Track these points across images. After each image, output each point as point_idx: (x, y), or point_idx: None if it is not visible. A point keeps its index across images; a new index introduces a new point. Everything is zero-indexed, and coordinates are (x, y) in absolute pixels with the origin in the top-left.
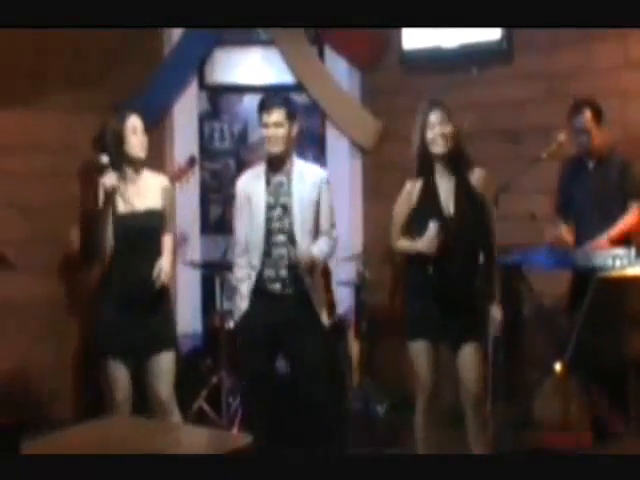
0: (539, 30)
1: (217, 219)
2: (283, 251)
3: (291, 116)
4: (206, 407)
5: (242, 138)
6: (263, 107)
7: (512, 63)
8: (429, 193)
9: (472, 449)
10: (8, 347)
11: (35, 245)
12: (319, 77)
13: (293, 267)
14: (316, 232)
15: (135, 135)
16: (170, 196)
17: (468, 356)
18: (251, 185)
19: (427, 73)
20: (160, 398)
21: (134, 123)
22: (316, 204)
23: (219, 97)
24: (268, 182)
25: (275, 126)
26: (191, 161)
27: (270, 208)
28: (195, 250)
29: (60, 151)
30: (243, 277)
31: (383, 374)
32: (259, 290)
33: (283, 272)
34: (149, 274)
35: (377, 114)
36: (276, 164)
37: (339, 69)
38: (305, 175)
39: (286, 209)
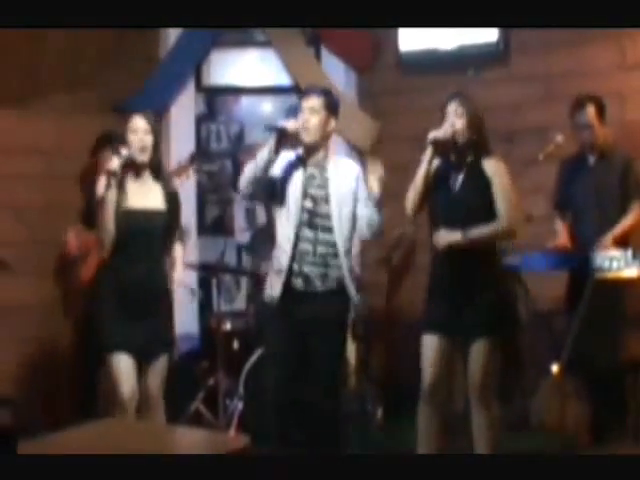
0: (535, 30)
1: (214, 220)
2: (308, 247)
3: (329, 107)
4: (203, 409)
5: (239, 139)
6: (303, 93)
7: (509, 64)
8: (441, 175)
9: (476, 447)
10: (5, 348)
11: (31, 247)
12: (316, 78)
13: (317, 264)
14: (353, 222)
15: (135, 135)
16: (175, 201)
17: (479, 352)
18: (288, 172)
19: (424, 74)
20: (149, 392)
21: (136, 123)
22: (354, 195)
23: (216, 98)
24: (303, 172)
25: (310, 111)
26: (192, 158)
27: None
28: (192, 252)
29: (56, 153)
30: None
31: (380, 375)
32: (285, 285)
33: (306, 268)
34: (147, 275)
35: (374, 115)
36: (307, 154)
37: (336, 70)
38: (340, 168)
39: (316, 202)
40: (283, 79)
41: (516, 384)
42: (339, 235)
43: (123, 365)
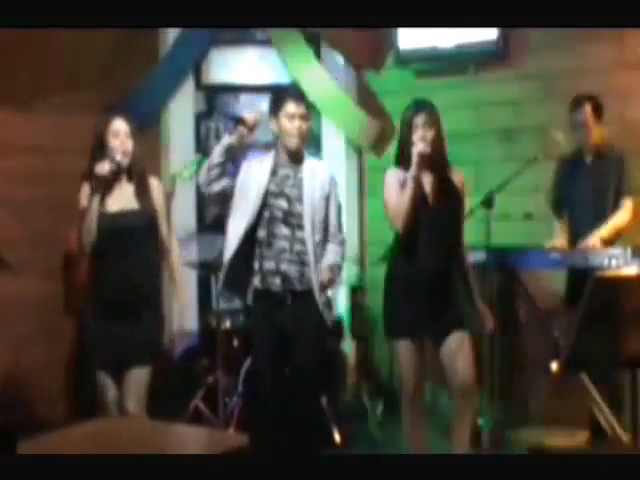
0: (535, 30)
1: (213, 219)
2: (285, 244)
3: (310, 110)
4: (202, 407)
5: None
6: (288, 97)
7: (509, 63)
8: (416, 187)
9: (454, 443)
10: (4, 347)
11: (31, 246)
12: (315, 76)
13: (295, 263)
14: (325, 230)
15: (117, 139)
16: (149, 200)
17: (453, 346)
18: (253, 172)
19: (424, 73)
20: (128, 411)
21: (117, 126)
22: (326, 200)
23: (215, 97)
24: (274, 173)
25: (302, 118)
26: (198, 160)
27: (272, 196)
28: (191, 250)
29: (56, 152)
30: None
31: (379, 374)
32: (260, 288)
33: (284, 266)
34: (129, 279)
35: (373, 114)
36: (289, 157)
37: (336, 69)
38: (315, 171)
39: (291, 201)
40: (282, 77)
41: (516, 382)
42: (309, 234)
43: (102, 379)
